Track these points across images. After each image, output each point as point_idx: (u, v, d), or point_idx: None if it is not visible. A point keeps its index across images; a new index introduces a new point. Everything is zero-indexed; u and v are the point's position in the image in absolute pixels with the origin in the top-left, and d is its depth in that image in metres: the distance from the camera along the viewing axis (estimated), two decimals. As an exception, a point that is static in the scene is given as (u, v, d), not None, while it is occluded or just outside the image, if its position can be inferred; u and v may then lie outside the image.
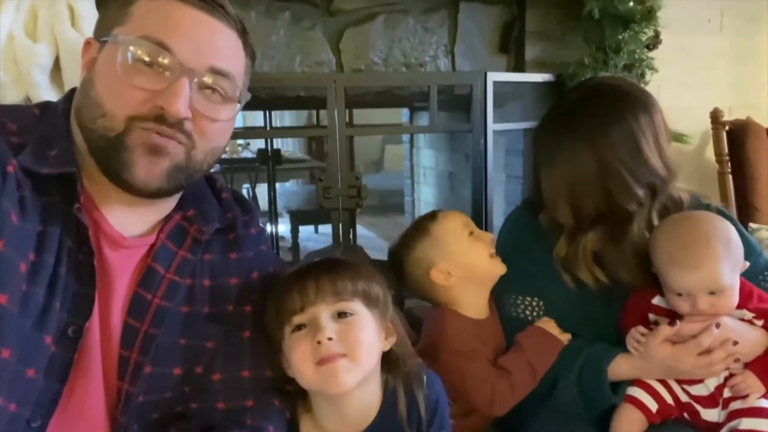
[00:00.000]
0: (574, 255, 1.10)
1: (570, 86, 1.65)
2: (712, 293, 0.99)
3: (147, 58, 0.75)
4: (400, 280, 1.21)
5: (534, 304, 1.17)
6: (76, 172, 0.76)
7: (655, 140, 1.06)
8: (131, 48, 0.75)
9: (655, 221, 1.07)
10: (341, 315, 0.86)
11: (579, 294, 1.13)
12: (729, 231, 1.01)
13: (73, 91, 0.84)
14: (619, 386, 1.08)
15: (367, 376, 0.88)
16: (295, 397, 0.93)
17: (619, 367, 1.06)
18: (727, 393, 1.04)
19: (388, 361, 0.93)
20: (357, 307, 0.88)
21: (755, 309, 1.04)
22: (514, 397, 1.10)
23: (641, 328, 1.05)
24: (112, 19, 0.79)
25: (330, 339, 0.83)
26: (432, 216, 1.22)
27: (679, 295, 1.01)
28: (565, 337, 1.13)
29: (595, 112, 1.07)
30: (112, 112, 0.75)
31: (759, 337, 1.02)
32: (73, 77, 1.11)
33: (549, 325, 1.15)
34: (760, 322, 1.04)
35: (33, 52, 1.08)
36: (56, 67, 1.13)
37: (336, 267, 0.89)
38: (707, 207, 1.15)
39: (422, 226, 1.20)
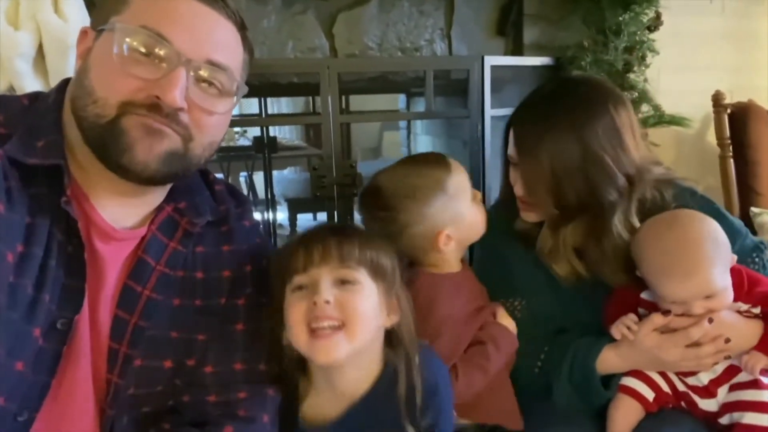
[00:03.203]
0: (555, 248, 1.08)
1: (569, 70, 1.63)
2: (707, 297, 0.97)
3: (144, 48, 0.74)
4: (374, 219, 1.05)
5: (516, 304, 1.16)
6: (63, 164, 0.75)
7: (633, 133, 1.07)
8: (128, 37, 0.74)
9: (634, 219, 1.05)
10: (344, 282, 0.84)
11: (558, 291, 1.13)
12: (715, 231, 0.98)
13: (66, 81, 0.83)
14: (611, 379, 1.07)
15: (362, 349, 0.85)
16: (296, 375, 0.91)
17: (607, 360, 1.05)
18: (725, 389, 1.02)
19: (390, 339, 0.91)
20: (361, 277, 0.85)
21: (749, 297, 1.01)
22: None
23: (633, 316, 1.03)
24: (109, 8, 0.77)
25: (327, 302, 0.82)
26: (444, 164, 1.06)
27: (673, 302, 0.99)
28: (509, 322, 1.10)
29: (578, 102, 1.06)
30: (103, 98, 0.74)
31: (752, 330, 1.00)
32: (56, 66, 1.09)
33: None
34: (757, 309, 1.01)
35: (15, 41, 1.06)
36: (39, 55, 1.10)
37: (345, 232, 0.87)
38: (692, 193, 1.13)
39: (435, 177, 1.04)
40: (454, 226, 1.05)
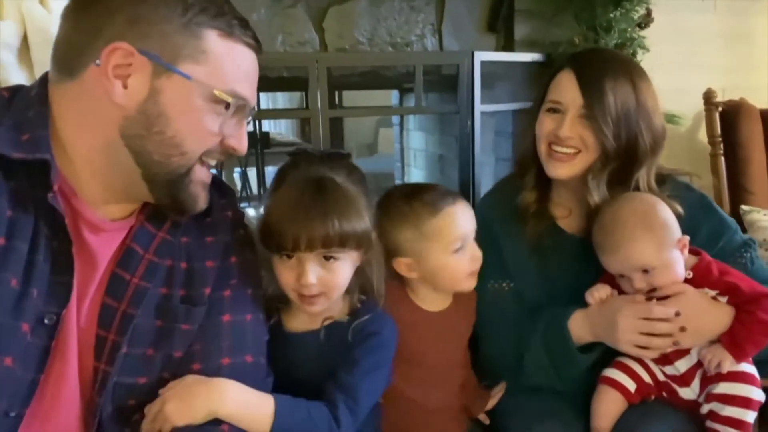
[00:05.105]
0: (592, 184, 1.09)
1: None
2: (645, 271, 1.01)
3: (236, 116, 0.82)
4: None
5: (504, 286, 1.18)
6: (50, 159, 0.74)
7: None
8: (224, 100, 0.79)
9: (652, 179, 1.11)
10: (327, 258, 0.93)
11: (547, 280, 1.16)
12: (651, 211, 1.03)
13: (48, 74, 0.81)
14: (590, 351, 1.08)
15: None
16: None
17: (575, 320, 1.07)
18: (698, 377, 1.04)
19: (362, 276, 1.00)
20: (341, 254, 0.94)
21: (717, 284, 1.03)
22: None
23: (608, 287, 1.07)
24: (176, 43, 0.75)
25: (312, 284, 0.92)
26: (436, 207, 1.06)
27: (621, 276, 1.04)
28: None
29: (629, 59, 1.18)
30: (192, 152, 0.80)
31: (723, 316, 1.02)
32: (42, 57, 1.07)
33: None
34: (724, 299, 1.03)
35: (-1, 30, 1.04)
36: (24, 47, 1.09)
37: (327, 210, 0.91)
38: (687, 188, 1.17)
39: (417, 213, 1.06)
40: (416, 262, 1.07)
